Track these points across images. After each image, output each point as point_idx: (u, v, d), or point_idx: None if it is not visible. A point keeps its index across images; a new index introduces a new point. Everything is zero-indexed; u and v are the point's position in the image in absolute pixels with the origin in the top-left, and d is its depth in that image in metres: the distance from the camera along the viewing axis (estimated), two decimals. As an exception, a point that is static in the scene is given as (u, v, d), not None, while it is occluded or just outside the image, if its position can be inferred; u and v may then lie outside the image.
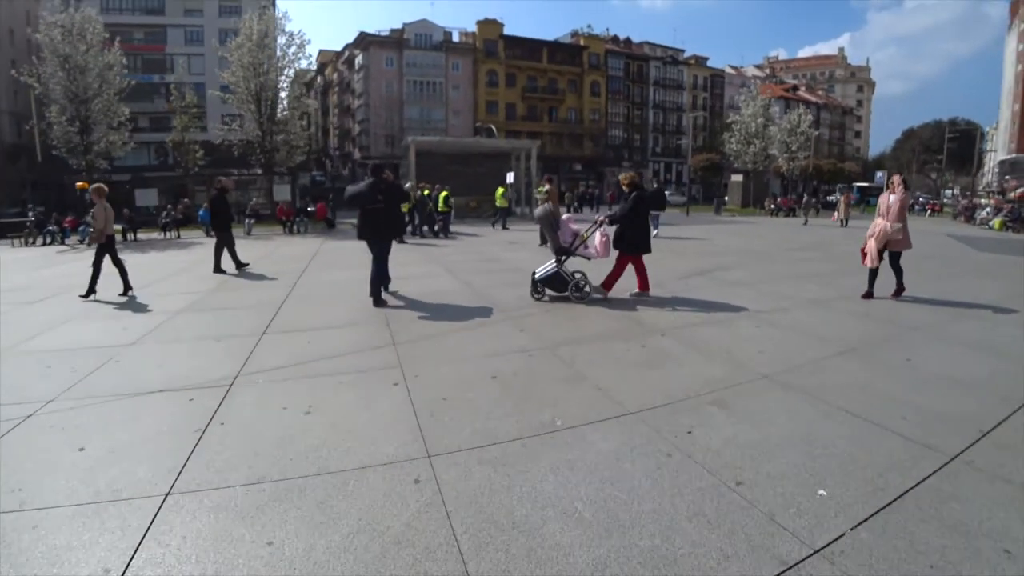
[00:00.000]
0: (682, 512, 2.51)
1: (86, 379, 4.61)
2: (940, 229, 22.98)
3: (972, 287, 8.59)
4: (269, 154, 26.53)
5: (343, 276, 9.84)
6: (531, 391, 3.97)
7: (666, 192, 45.81)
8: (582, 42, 66.77)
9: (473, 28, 61.00)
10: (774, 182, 48.92)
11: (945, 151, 55.88)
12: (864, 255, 7.50)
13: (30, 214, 23.02)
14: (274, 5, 28.10)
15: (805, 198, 30.95)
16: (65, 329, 6.45)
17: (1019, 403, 3.74)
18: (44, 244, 21.30)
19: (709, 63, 79.65)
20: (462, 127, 56.50)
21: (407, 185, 17.22)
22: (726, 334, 5.54)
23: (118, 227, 22.45)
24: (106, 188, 8.35)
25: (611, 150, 67.91)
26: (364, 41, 57.69)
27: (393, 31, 58.50)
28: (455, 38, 60.51)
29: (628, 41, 74.04)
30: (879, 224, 7.20)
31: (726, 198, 41.35)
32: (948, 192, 63.13)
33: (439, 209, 18.02)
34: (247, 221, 22.23)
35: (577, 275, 7.21)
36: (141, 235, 22.29)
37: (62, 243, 21.30)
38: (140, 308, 7.52)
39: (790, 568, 2.17)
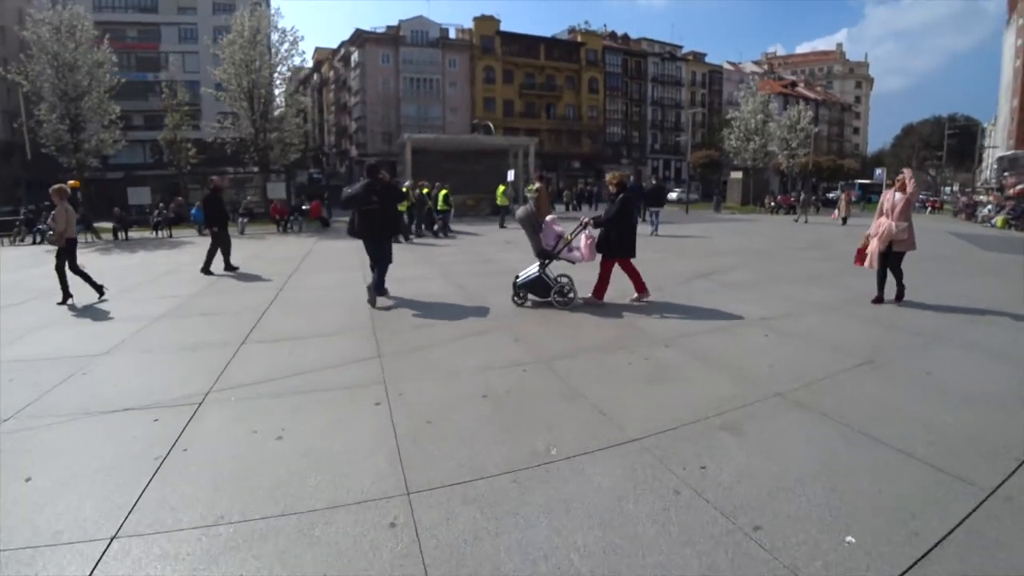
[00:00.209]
0: (693, 567, 2.19)
1: (48, 395, 4.30)
2: (941, 227, 22.67)
3: (982, 288, 8.29)
4: (263, 152, 26.13)
5: (332, 279, 9.50)
6: (524, 412, 3.65)
7: (677, 191, 45.60)
8: (579, 38, 66.31)
9: (470, 24, 60.54)
10: (773, 179, 48.62)
11: (945, 147, 55.58)
12: (860, 255, 7.18)
13: (22, 212, 22.68)
14: (267, 2, 27.57)
15: (803, 196, 30.61)
16: (37, 337, 6.12)
17: (1056, 425, 3.44)
18: (34, 243, 20.93)
19: (707, 59, 79.25)
20: (459, 124, 56.08)
21: (406, 184, 16.90)
22: (733, 344, 5.23)
23: (108, 226, 22.34)
24: (67, 189, 7.96)
25: (610, 147, 67.53)
26: (360, 38, 57.20)
27: (389, 28, 58.02)
28: (451, 35, 60.04)
29: (626, 37, 73.61)
30: (882, 223, 6.77)
31: (723, 196, 41.03)
32: (947, 189, 62.84)
33: (438, 208, 17.68)
34: (240, 220, 21.87)
35: (563, 279, 6.88)
36: (133, 234, 21.92)
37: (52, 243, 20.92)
38: (119, 313, 7.19)
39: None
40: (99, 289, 8.02)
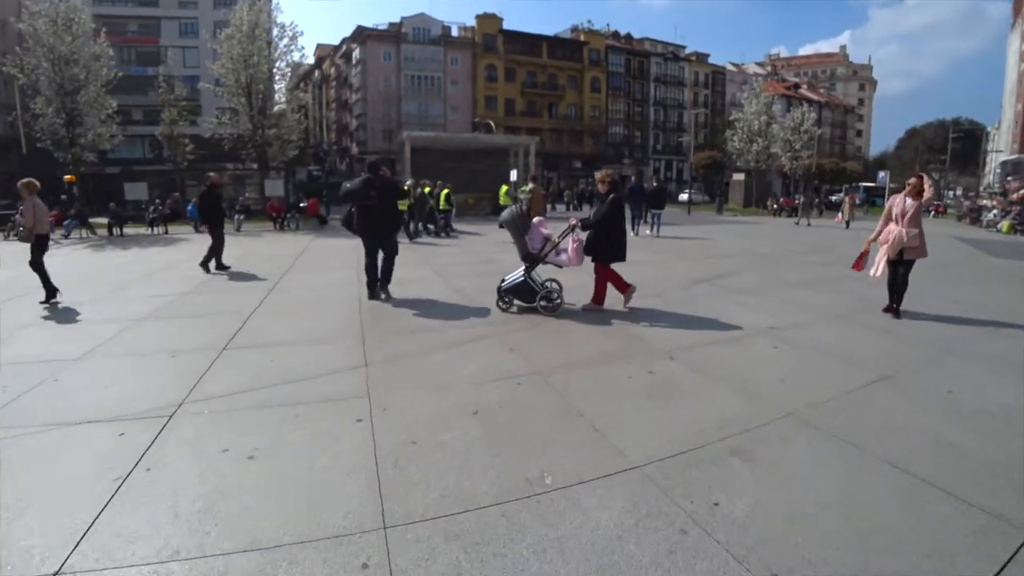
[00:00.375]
0: (704, 625, 1.93)
1: (12, 404, 4.04)
2: (947, 231, 22.39)
3: (995, 297, 8.04)
4: (261, 148, 25.84)
5: (325, 279, 9.23)
6: (517, 432, 3.38)
7: (689, 192, 45.16)
8: (582, 37, 65.99)
9: (472, 22, 60.24)
10: (776, 181, 48.30)
11: (949, 151, 55.26)
12: (860, 260, 6.92)
13: (20, 207, 22.38)
14: (269, -4, 27.31)
15: (803, 199, 30.31)
16: (14, 338, 5.86)
17: (1094, 453, 3.17)
18: (27, 239, 20.67)
19: (710, 60, 78.91)
20: (461, 122, 55.79)
21: (408, 182, 16.65)
22: (740, 356, 4.95)
23: (103, 221, 22.06)
24: (37, 184, 7.60)
25: (612, 147, 67.21)
26: (362, 35, 56.90)
27: (391, 25, 57.73)
28: (454, 32, 59.74)
29: (629, 37, 73.25)
30: (892, 230, 6.37)
31: (724, 197, 40.71)
32: (950, 193, 62.52)
33: (440, 207, 17.41)
34: (236, 217, 21.59)
35: (551, 284, 6.60)
36: (128, 230, 21.65)
37: (45, 238, 20.64)
38: (102, 314, 6.92)
39: None
40: (52, 292, 7.58)
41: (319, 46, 74.76)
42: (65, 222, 21.17)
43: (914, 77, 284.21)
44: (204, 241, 11.07)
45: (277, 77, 26.63)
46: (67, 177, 25.23)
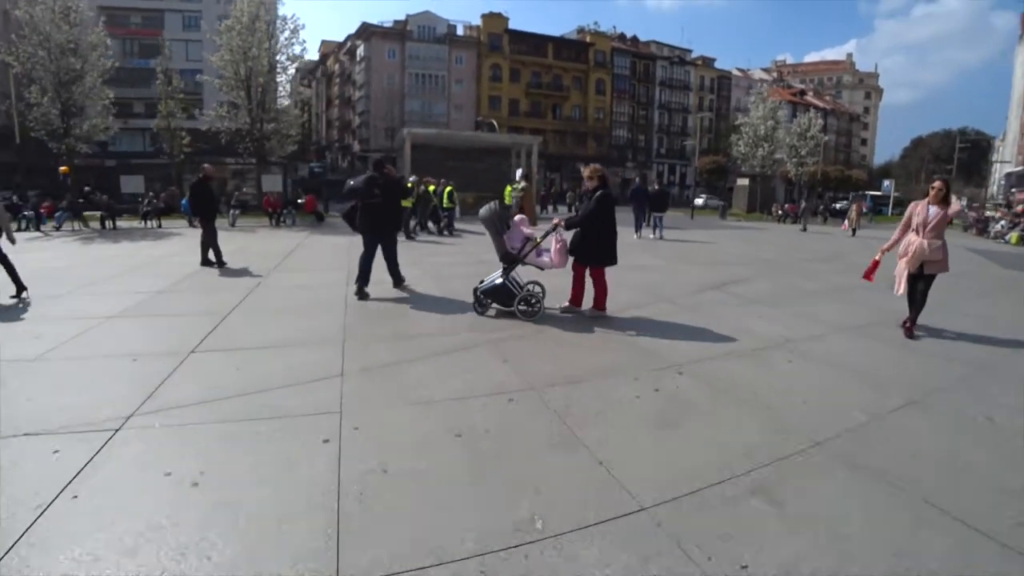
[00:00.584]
0: None
1: (-55, 412, 3.59)
2: (954, 242, 21.70)
3: (1012, 311, 7.62)
4: (259, 143, 25.37)
5: (311, 279, 8.78)
6: (506, 462, 2.92)
7: (703, 196, 44.76)
8: (588, 39, 65.57)
9: (477, 21, 59.86)
10: (780, 187, 47.85)
11: (955, 161, 54.83)
12: (871, 270, 6.37)
13: (14, 198, 21.99)
14: (272, -11, 26.84)
15: (804, 204, 29.84)
16: (-34, 336, 5.42)
17: None
18: (18, 230, 20.22)
19: (716, 64, 78.49)
20: (464, 122, 55.37)
21: (411, 180, 16.27)
22: (756, 372, 4.50)
23: (96, 214, 21.61)
24: None
25: (615, 150, 66.77)
26: (366, 32, 56.57)
27: (396, 22, 57.43)
28: (459, 31, 59.40)
29: (635, 39, 72.85)
30: (913, 242, 5.83)
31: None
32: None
33: (443, 205, 17.02)
34: (232, 212, 21.16)
35: (532, 287, 6.18)
36: (122, 223, 21.23)
37: (37, 230, 20.21)
38: (70, 310, 6.46)
39: None
40: (20, 287, 7.15)
41: (324, 42, 74.45)
42: (57, 214, 20.77)
43: (919, 87, 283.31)
44: (196, 236, 10.64)
45: (279, 70, 26.14)
46: (61, 169, 24.80)
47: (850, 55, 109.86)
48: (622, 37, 71.44)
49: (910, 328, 5.94)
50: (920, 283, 5.91)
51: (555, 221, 6.17)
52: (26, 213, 20.83)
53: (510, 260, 6.09)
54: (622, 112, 67.71)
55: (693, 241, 17.26)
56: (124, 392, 3.90)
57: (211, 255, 9.99)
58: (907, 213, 6.09)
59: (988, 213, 39.20)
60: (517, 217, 6.46)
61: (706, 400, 3.84)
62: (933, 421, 3.67)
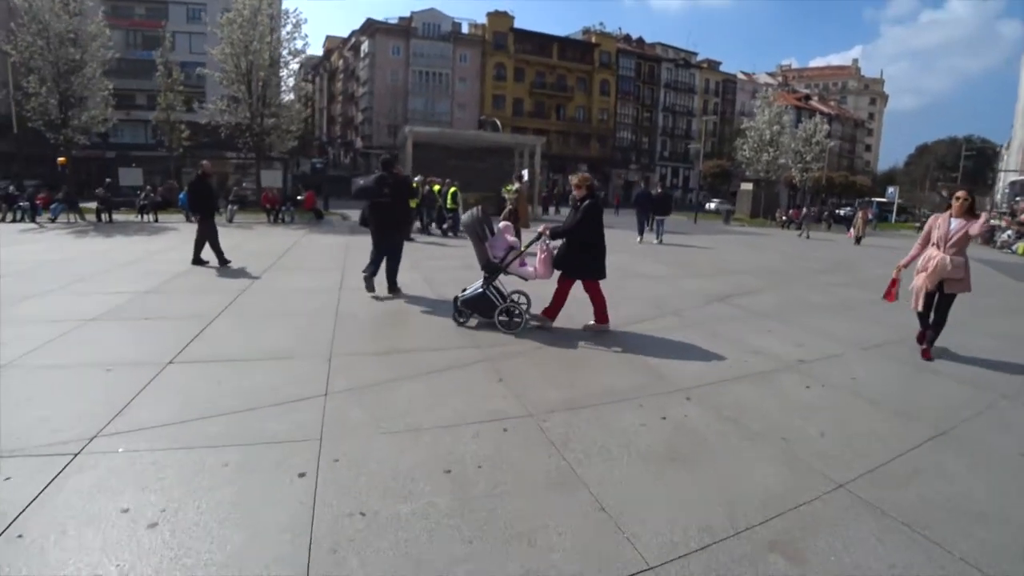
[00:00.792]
0: None
1: None
2: (964, 252, 21.61)
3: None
4: (259, 138, 25.07)
5: (306, 281, 8.50)
6: (499, 506, 2.63)
7: (716, 201, 44.42)
8: (594, 39, 65.26)
9: (483, 20, 59.55)
10: (783, 193, 47.56)
11: (961, 169, 54.50)
12: (892, 289, 5.88)
13: (11, 188, 21.72)
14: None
15: (805, 210, 29.52)
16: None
17: None
18: (13, 220, 19.95)
19: (721, 68, 78.16)
20: (467, 120, 55.09)
21: (416, 179, 16.03)
22: (770, 398, 4.21)
23: (91, 206, 21.32)
24: None
25: (618, 152, 66.50)
26: (371, 28, 56.32)
27: (401, 19, 57.22)
28: (464, 29, 59.12)
29: (640, 41, 72.51)
30: (934, 256, 5.42)
31: (727, 206, 39.94)
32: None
33: (448, 206, 16.77)
34: (229, 208, 20.87)
35: (517, 298, 5.96)
36: (118, 216, 20.95)
37: (32, 221, 19.93)
38: (48, 312, 6.15)
39: None
40: None
41: (328, 38, 74.20)
42: (52, 205, 20.48)
43: (924, 94, 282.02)
44: (191, 231, 10.35)
45: (282, 64, 25.83)
46: (59, 160, 24.53)
47: (855, 60, 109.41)
48: (628, 38, 71.10)
49: (927, 351, 5.64)
50: (939, 302, 5.56)
51: (540, 229, 5.88)
52: (21, 204, 20.55)
53: (492, 269, 5.83)
54: (626, 114, 67.39)
55: (697, 247, 16.99)
56: (91, 409, 3.62)
57: (204, 254, 9.72)
58: (926, 226, 5.75)
59: (993, 222, 38.88)
60: (501, 224, 6.20)
61: (716, 432, 3.55)
62: (965, 458, 3.38)
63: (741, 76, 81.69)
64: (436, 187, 17.13)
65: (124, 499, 2.63)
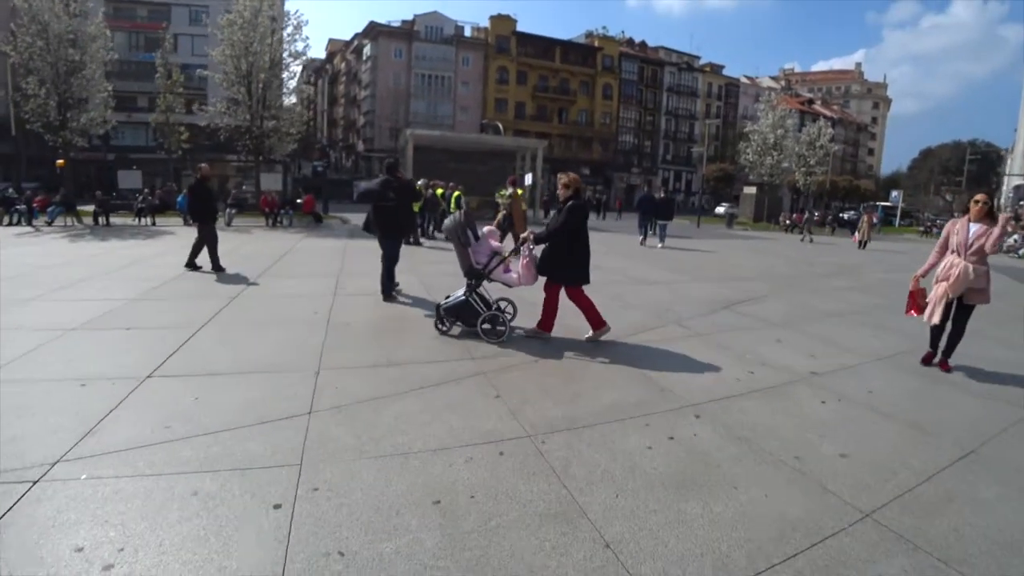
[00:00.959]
0: None
1: None
2: (971, 257, 21.30)
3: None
4: (258, 140, 24.88)
5: (300, 287, 8.27)
6: (491, 542, 2.38)
7: (725, 205, 44.03)
8: (596, 43, 65.19)
9: (485, 23, 59.50)
10: (787, 196, 47.26)
11: (965, 173, 54.17)
12: (913, 302, 5.47)
13: (10, 191, 21.59)
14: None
15: (807, 214, 29.22)
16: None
17: None
18: (10, 224, 19.77)
19: (724, 72, 77.99)
20: (469, 123, 54.96)
21: (419, 183, 15.84)
22: (784, 415, 3.96)
23: (88, 209, 21.15)
24: None
25: (621, 155, 66.33)
26: (373, 31, 56.28)
27: (404, 22, 57.15)
28: (467, 32, 59.05)
29: (643, 44, 72.38)
30: (956, 264, 5.06)
31: (735, 210, 39.59)
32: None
33: (450, 210, 16.56)
34: (228, 211, 20.68)
35: (502, 304, 5.76)
36: (116, 219, 20.79)
37: (28, 224, 19.76)
38: (29, 320, 5.92)
39: None
40: None
41: (331, 41, 74.20)
42: (49, 208, 20.31)
43: (927, 98, 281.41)
44: (188, 235, 10.13)
45: (281, 67, 25.67)
46: (58, 162, 24.38)
47: (858, 64, 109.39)
48: (631, 42, 71.01)
49: (944, 362, 5.38)
50: (958, 312, 5.26)
51: (523, 235, 5.64)
52: (18, 207, 20.37)
53: (475, 275, 5.59)
54: (629, 117, 67.24)
55: (700, 251, 16.75)
56: (60, 428, 3.38)
57: (199, 259, 9.49)
58: (944, 232, 5.44)
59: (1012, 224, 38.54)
60: (486, 228, 5.97)
61: (729, 454, 3.30)
62: (996, 483, 3.13)
63: (744, 80, 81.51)
64: (440, 191, 16.92)
65: (80, 535, 2.39)
